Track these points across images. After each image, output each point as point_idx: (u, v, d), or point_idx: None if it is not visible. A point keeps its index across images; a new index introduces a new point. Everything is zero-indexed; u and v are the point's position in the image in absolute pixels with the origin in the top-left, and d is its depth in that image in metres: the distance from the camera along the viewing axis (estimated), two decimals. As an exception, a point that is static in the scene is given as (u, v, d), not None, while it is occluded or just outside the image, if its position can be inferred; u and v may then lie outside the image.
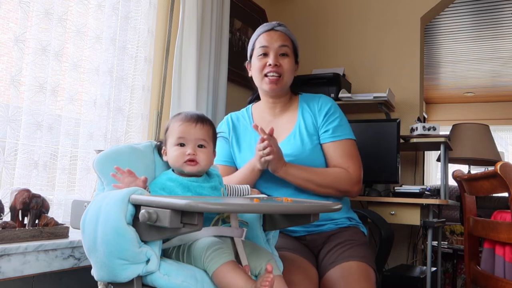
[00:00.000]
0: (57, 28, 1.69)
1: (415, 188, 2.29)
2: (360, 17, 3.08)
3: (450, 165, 2.82)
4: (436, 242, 2.69)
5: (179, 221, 0.95)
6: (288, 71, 1.61)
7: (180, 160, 1.20)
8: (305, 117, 1.65)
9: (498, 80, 6.20)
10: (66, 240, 1.40)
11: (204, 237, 1.09)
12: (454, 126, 3.49)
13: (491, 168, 1.57)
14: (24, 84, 1.60)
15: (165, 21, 2.29)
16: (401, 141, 2.43)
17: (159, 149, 1.29)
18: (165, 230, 0.98)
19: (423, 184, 2.90)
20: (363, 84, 2.98)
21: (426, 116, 7.43)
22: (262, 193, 1.46)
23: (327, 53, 3.15)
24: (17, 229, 1.32)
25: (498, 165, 1.49)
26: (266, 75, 1.60)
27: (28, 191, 1.38)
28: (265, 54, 1.61)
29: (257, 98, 1.78)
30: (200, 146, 1.22)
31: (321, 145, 1.63)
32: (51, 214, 1.51)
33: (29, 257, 1.31)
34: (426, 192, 2.31)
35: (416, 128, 2.46)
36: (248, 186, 1.37)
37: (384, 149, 2.37)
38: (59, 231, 1.42)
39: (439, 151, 2.52)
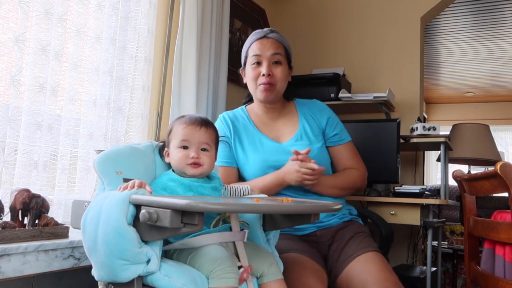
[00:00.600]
0: (57, 28, 1.69)
1: (415, 188, 2.29)
2: (360, 17, 3.08)
3: (450, 165, 2.82)
4: (436, 242, 2.69)
5: (180, 221, 0.95)
6: (281, 79, 1.64)
7: (183, 162, 1.20)
8: (307, 119, 1.72)
9: (498, 80, 6.20)
10: (66, 240, 1.40)
11: (208, 244, 1.09)
12: (454, 126, 3.49)
13: (491, 168, 1.57)
14: (24, 84, 1.60)
15: (165, 21, 2.29)
16: (401, 141, 2.43)
17: (160, 150, 1.29)
18: (165, 230, 0.98)
19: (423, 184, 2.90)
20: (363, 84, 2.98)
21: (426, 116, 7.43)
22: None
23: (327, 53, 3.15)
24: (17, 229, 1.32)
25: (498, 165, 1.49)
26: (259, 85, 1.63)
27: (28, 191, 1.38)
28: (258, 63, 1.63)
29: (250, 100, 1.80)
30: (203, 149, 1.23)
31: (327, 147, 1.72)
32: (51, 214, 1.51)
33: (29, 257, 1.30)
34: (426, 192, 2.31)
35: (416, 128, 2.46)
36: (249, 186, 1.37)
37: (384, 149, 2.37)
38: (59, 231, 1.42)
39: (439, 151, 2.52)
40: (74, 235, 1.48)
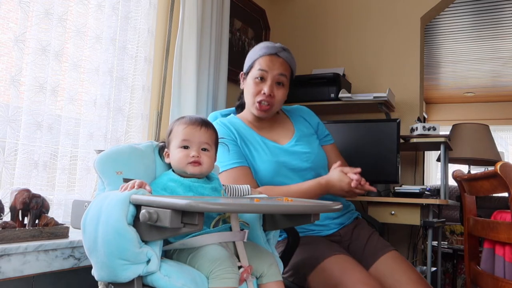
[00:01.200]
0: (57, 28, 1.69)
1: (415, 188, 2.29)
2: (360, 17, 3.07)
3: (450, 165, 2.82)
4: (436, 242, 2.69)
5: (180, 221, 0.95)
6: (280, 101, 1.65)
7: (184, 162, 1.20)
8: (301, 122, 1.80)
9: (498, 80, 6.20)
10: (66, 240, 1.40)
11: (208, 244, 1.09)
12: (454, 126, 3.49)
13: (491, 168, 1.57)
14: (24, 84, 1.60)
15: (165, 21, 2.29)
16: (401, 141, 2.43)
17: (160, 150, 1.29)
18: (165, 230, 0.98)
19: (423, 184, 2.90)
20: (363, 84, 2.98)
21: (426, 116, 7.43)
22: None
23: (327, 53, 3.15)
24: (17, 229, 1.32)
25: (498, 165, 1.49)
26: (257, 101, 1.62)
27: (28, 191, 1.38)
28: (262, 79, 1.61)
29: (241, 107, 1.80)
30: (204, 149, 1.23)
31: (321, 145, 1.80)
32: (51, 214, 1.51)
33: (29, 257, 1.31)
34: (426, 192, 2.31)
35: (416, 128, 2.46)
36: (249, 186, 1.37)
37: (384, 149, 2.37)
38: (59, 231, 1.42)
39: (439, 151, 2.52)
40: (74, 235, 1.48)
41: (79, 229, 1.15)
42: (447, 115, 7.51)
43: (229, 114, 1.80)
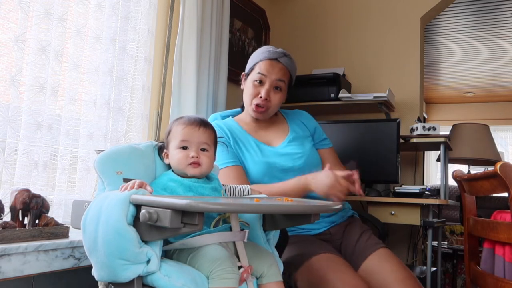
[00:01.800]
0: (57, 28, 1.69)
1: (415, 188, 2.29)
2: (360, 17, 3.08)
3: (450, 165, 2.82)
4: (436, 242, 2.69)
5: (180, 221, 0.95)
6: (276, 105, 1.70)
7: (183, 163, 1.20)
8: (297, 124, 1.81)
9: (498, 80, 6.20)
10: (66, 240, 1.40)
11: (208, 244, 1.09)
12: (454, 126, 3.49)
13: (491, 168, 1.57)
14: (24, 84, 1.60)
15: (165, 21, 2.29)
16: (401, 141, 2.43)
17: (160, 150, 1.29)
18: (165, 230, 0.98)
19: (423, 184, 2.90)
20: (363, 84, 2.98)
21: (426, 116, 7.43)
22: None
23: (327, 53, 3.15)
24: (17, 229, 1.32)
25: (498, 165, 1.49)
26: (255, 104, 1.67)
27: (28, 191, 1.38)
28: (261, 82, 1.67)
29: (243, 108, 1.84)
30: (203, 149, 1.23)
31: (317, 149, 1.80)
32: (51, 214, 1.51)
33: (29, 257, 1.31)
34: (426, 192, 2.31)
35: (416, 128, 2.46)
36: (249, 186, 1.37)
37: (384, 149, 2.37)
38: (59, 231, 1.43)
39: (439, 151, 2.52)
40: (74, 235, 1.48)
41: (79, 229, 1.15)
42: (447, 115, 7.51)
43: (229, 116, 1.84)
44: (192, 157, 1.20)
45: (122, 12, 1.97)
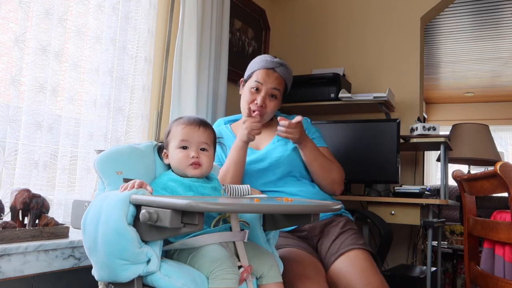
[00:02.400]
0: (57, 28, 1.69)
1: (415, 188, 2.29)
2: (360, 17, 3.08)
3: (450, 165, 2.82)
4: (436, 242, 2.69)
5: (180, 221, 0.95)
6: (271, 112, 1.77)
7: (184, 163, 1.20)
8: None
9: (498, 80, 6.20)
10: (66, 240, 1.40)
11: (208, 244, 1.09)
12: (454, 126, 3.49)
13: (491, 168, 1.57)
14: (24, 84, 1.60)
15: (165, 21, 2.29)
16: (401, 141, 2.43)
17: (159, 150, 1.29)
18: (165, 230, 0.98)
19: (423, 184, 2.90)
20: (363, 84, 2.98)
21: (426, 116, 7.43)
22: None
23: (327, 53, 3.15)
24: (17, 229, 1.32)
25: (498, 165, 1.49)
26: (250, 109, 1.73)
27: (28, 191, 1.39)
28: (257, 90, 1.74)
29: None
30: (203, 149, 1.23)
31: None
32: (51, 214, 1.51)
33: (29, 257, 1.31)
34: (426, 192, 2.31)
35: (416, 128, 2.46)
36: (249, 186, 1.38)
37: (384, 149, 2.37)
38: (59, 231, 1.43)
39: (439, 151, 2.52)
40: (74, 235, 1.48)
41: (79, 229, 1.15)
42: (447, 115, 7.51)
43: (233, 120, 1.92)
44: (193, 157, 1.20)
45: (122, 12, 1.97)
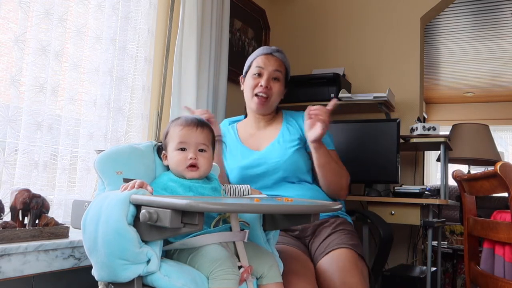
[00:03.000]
0: (57, 28, 1.69)
1: (415, 188, 2.29)
2: (360, 17, 3.07)
3: (450, 165, 2.82)
4: (436, 242, 2.69)
5: (180, 221, 0.95)
6: (276, 94, 1.78)
7: (182, 165, 1.21)
8: (289, 126, 1.81)
9: (498, 80, 6.20)
10: (66, 240, 1.40)
11: (209, 244, 1.09)
12: (454, 126, 3.49)
13: (491, 168, 1.57)
14: (24, 84, 1.60)
15: (165, 21, 2.29)
16: (401, 141, 2.43)
17: (158, 151, 1.29)
18: (165, 230, 0.98)
19: (423, 184, 2.90)
20: (363, 84, 2.98)
21: (426, 116, 7.43)
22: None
23: (327, 53, 3.15)
24: (17, 229, 1.32)
25: (498, 165, 1.49)
26: (256, 95, 1.75)
27: (28, 191, 1.39)
28: (259, 75, 1.76)
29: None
30: (201, 150, 1.23)
31: (308, 153, 1.75)
32: (51, 214, 1.51)
33: (29, 257, 1.31)
34: (426, 192, 2.31)
35: (416, 128, 2.46)
36: (249, 186, 1.38)
37: (384, 149, 2.37)
38: (59, 231, 1.43)
39: (439, 151, 2.52)
40: (74, 235, 1.48)
41: (79, 229, 1.15)
42: (447, 115, 7.51)
43: (237, 121, 1.92)
44: (190, 158, 1.20)
45: (122, 12, 1.97)
